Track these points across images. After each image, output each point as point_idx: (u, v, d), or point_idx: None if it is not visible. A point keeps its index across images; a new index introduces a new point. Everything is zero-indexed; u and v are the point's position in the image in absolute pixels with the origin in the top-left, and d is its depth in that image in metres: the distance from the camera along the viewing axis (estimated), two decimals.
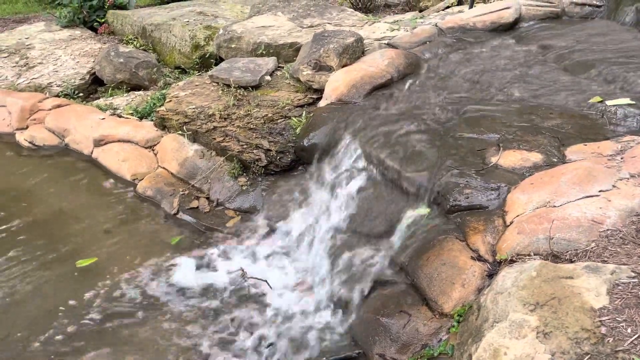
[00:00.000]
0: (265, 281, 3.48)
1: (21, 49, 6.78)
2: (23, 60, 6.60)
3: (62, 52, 6.75)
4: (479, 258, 2.64)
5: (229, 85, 4.79)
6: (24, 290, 3.58)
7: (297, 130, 4.21)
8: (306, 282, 3.52)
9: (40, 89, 6.16)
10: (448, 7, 6.38)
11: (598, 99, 3.56)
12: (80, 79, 6.33)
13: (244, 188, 4.34)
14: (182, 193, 4.46)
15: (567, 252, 2.26)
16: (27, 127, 5.72)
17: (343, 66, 4.54)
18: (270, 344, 3.10)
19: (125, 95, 6.02)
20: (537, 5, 5.31)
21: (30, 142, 5.57)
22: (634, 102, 3.42)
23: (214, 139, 4.52)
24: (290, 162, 4.24)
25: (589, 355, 1.73)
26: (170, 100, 4.94)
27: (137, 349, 3.12)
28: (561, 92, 3.82)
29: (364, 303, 3.05)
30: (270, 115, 4.39)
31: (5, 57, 6.63)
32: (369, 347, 2.80)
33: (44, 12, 8.20)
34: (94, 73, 6.41)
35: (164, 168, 4.77)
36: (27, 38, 7.06)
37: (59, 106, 5.79)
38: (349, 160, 3.70)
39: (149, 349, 3.12)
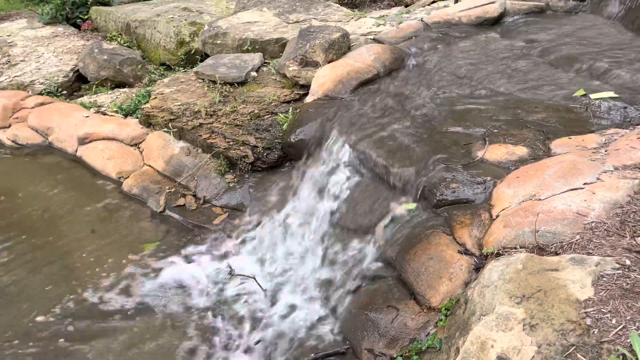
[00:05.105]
0: (253, 278, 3.47)
1: (3, 46, 6.67)
2: (5, 58, 6.49)
3: (45, 49, 6.65)
4: (466, 252, 2.65)
5: (214, 82, 4.76)
6: (7, 291, 3.54)
7: (284, 127, 4.20)
8: (294, 277, 3.51)
9: (23, 87, 6.07)
10: (434, 1, 6.38)
11: (582, 92, 3.58)
12: (64, 77, 6.24)
13: (231, 185, 4.31)
14: (168, 191, 4.42)
15: (553, 244, 2.27)
16: (9, 126, 5.64)
17: (329, 62, 4.52)
18: (259, 341, 3.10)
19: (109, 92, 5.95)
20: (522, 0, 5.34)
21: (13, 141, 5.49)
22: (617, 95, 3.45)
23: (200, 135, 4.49)
24: (278, 159, 4.22)
25: (575, 347, 1.74)
26: (156, 97, 4.89)
27: (121, 349, 3.09)
28: (546, 86, 3.84)
29: (352, 298, 3.05)
30: (256, 111, 4.37)
31: None
32: (357, 342, 2.80)
33: (26, 9, 8.07)
34: (78, 70, 6.32)
35: (149, 166, 4.73)
36: (8, 35, 6.94)
37: (42, 104, 5.71)
38: (336, 156, 3.69)
39: (134, 348, 3.09)
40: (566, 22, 4.93)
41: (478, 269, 2.53)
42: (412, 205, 3.09)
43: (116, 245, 3.96)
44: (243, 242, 3.91)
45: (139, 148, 4.92)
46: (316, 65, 4.52)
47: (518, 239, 2.39)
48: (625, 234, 2.19)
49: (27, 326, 3.25)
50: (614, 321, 1.77)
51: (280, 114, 4.32)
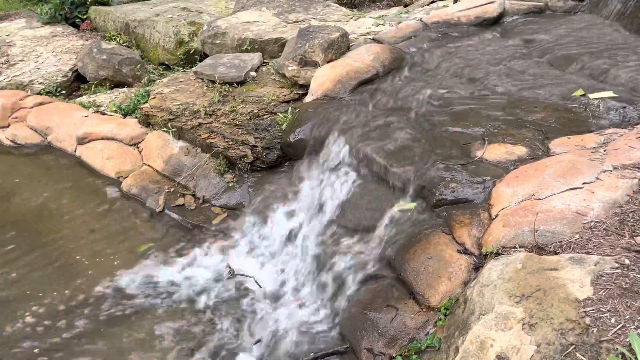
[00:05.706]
0: (253, 278, 3.47)
1: (2, 46, 6.66)
2: (4, 58, 6.49)
3: (44, 49, 6.64)
4: (465, 251, 2.65)
5: (213, 82, 4.75)
6: (6, 290, 3.53)
7: (283, 126, 4.20)
8: (293, 278, 3.51)
9: (22, 86, 6.06)
10: (433, 1, 6.39)
11: (581, 92, 3.59)
12: (63, 76, 6.23)
13: (230, 185, 4.31)
14: (167, 190, 4.42)
15: (552, 244, 2.28)
16: (8, 126, 5.63)
17: (328, 61, 4.53)
18: (258, 341, 3.09)
19: (108, 92, 5.95)
20: (521, 0, 5.35)
21: (12, 141, 5.49)
22: (616, 95, 3.45)
23: (199, 135, 4.48)
24: (277, 158, 4.22)
25: (574, 346, 1.74)
26: (155, 97, 4.89)
27: (116, 350, 3.09)
28: (545, 85, 3.84)
29: (351, 298, 3.04)
30: (255, 111, 4.37)
31: None
32: (357, 341, 2.80)
33: (25, 9, 8.06)
34: (77, 70, 6.31)
35: (148, 165, 4.73)
36: (7, 35, 6.94)
37: (41, 104, 5.71)
38: (335, 155, 3.69)
39: (129, 349, 3.09)
40: (565, 22, 4.93)
41: (477, 268, 2.53)
42: (412, 205, 3.10)
43: (115, 245, 3.96)
44: (242, 242, 3.91)
45: (138, 148, 4.92)
46: (315, 65, 4.52)
47: (517, 239, 2.40)
48: (624, 233, 2.20)
49: (21, 325, 3.25)
50: (613, 320, 1.77)
51: (279, 114, 4.32)
